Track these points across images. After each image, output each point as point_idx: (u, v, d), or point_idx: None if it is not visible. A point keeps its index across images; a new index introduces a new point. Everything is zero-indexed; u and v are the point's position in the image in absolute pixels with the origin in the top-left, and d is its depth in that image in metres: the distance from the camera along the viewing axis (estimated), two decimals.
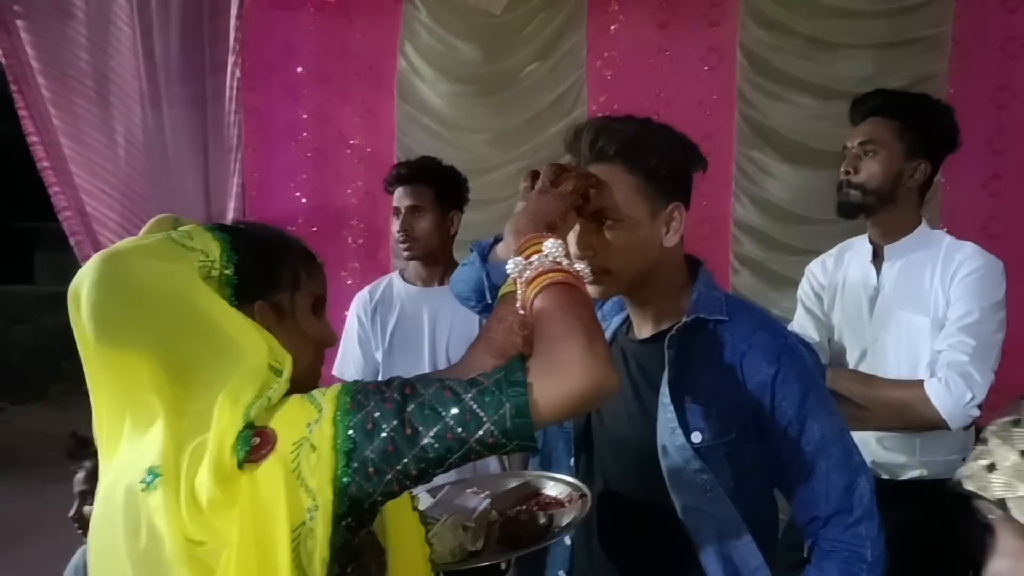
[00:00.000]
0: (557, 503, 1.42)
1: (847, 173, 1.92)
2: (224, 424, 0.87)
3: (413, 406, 0.89)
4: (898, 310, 1.89)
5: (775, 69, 3.16)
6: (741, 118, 3.20)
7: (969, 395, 1.70)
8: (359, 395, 0.90)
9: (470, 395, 0.89)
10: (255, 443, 0.87)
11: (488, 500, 1.39)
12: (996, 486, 0.68)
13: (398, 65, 3.33)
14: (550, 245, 1.06)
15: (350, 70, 3.36)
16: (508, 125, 3.34)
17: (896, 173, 1.88)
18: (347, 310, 3.42)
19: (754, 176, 3.21)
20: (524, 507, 1.40)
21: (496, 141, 3.29)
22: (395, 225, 2.35)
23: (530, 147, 3.25)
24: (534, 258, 1.05)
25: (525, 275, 1.05)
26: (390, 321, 2.39)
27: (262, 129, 3.33)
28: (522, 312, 1.07)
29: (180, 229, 1.00)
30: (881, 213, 1.92)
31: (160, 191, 3.15)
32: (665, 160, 1.28)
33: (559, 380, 0.90)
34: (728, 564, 1.28)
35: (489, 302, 1.60)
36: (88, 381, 0.96)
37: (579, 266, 1.09)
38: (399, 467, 0.88)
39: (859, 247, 2.04)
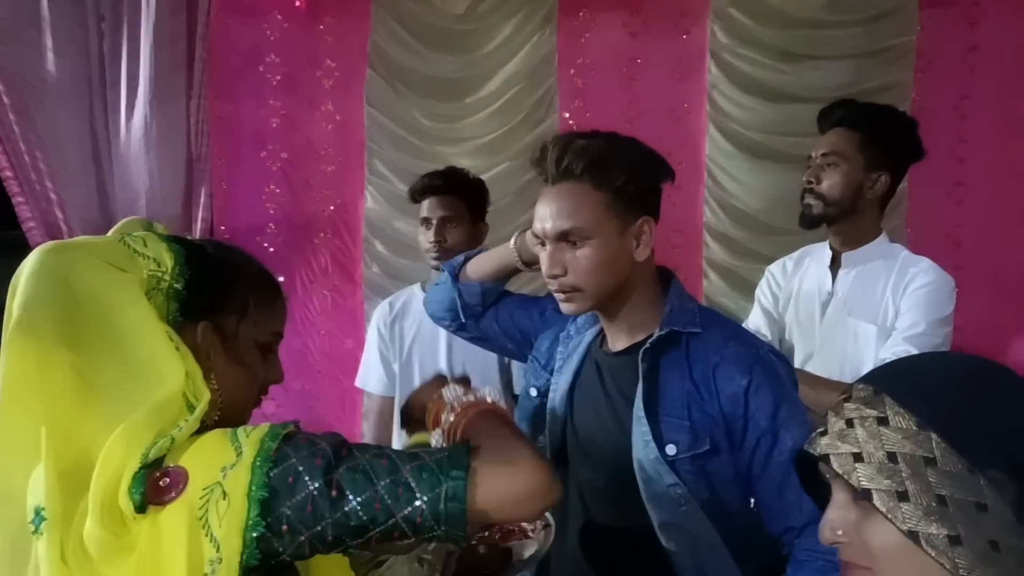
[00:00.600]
0: (520, 531, 1.39)
1: (809, 183, 1.96)
2: (113, 466, 0.81)
3: (344, 468, 0.82)
4: (848, 316, 1.92)
5: (745, 78, 3.19)
6: (712, 126, 3.23)
7: None
8: (286, 445, 0.84)
9: (408, 467, 0.83)
10: (164, 483, 0.81)
11: None
12: (822, 446, 0.78)
13: (368, 73, 3.30)
14: (484, 390, 1.09)
15: (319, 78, 3.32)
16: (480, 132, 3.32)
17: (856, 185, 1.92)
18: (322, 319, 3.39)
19: (725, 184, 3.24)
20: (487, 533, 1.37)
21: (467, 149, 3.27)
22: (426, 236, 2.31)
23: (503, 155, 3.24)
24: (464, 391, 1.08)
25: (462, 400, 1.05)
26: (408, 333, 2.38)
27: (230, 138, 3.28)
28: (443, 439, 1.05)
29: (135, 234, 0.96)
30: (842, 223, 1.95)
31: (124, 200, 3.08)
32: (632, 175, 1.28)
33: (507, 472, 0.84)
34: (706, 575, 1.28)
35: (463, 321, 1.59)
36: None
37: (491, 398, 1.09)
38: (316, 529, 0.81)
39: (819, 252, 2.08)
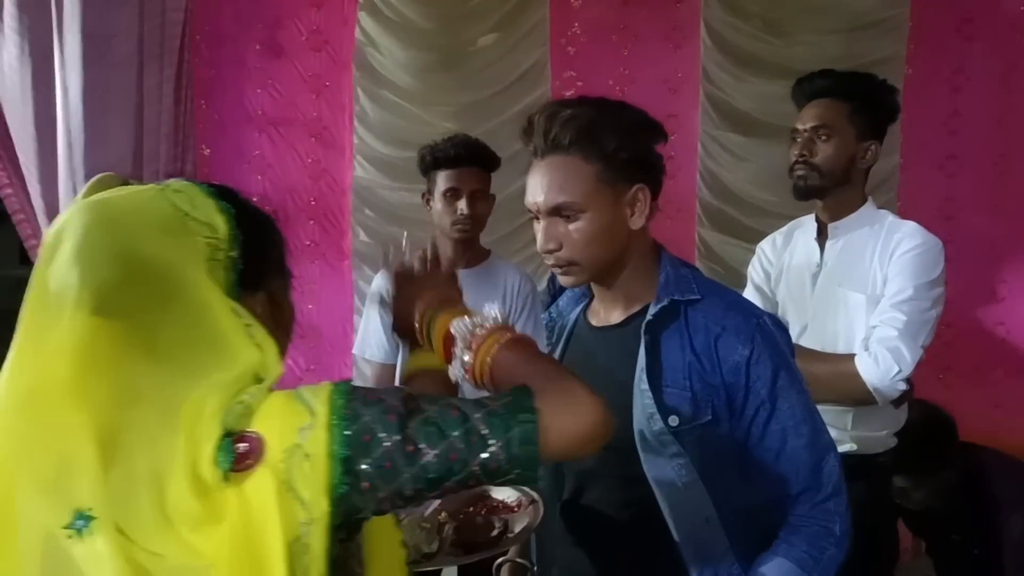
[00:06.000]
0: (506, 508, 1.40)
1: (802, 156, 1.93)
2: (196, 433, 0.78)
3: (416, 422, 0.82)
4: (838, 287, 1.92)
5: (738, 49, 3.16)
6: (706, 97, 3.20)
7: (896, 369, 1.73)
8: (355, 401, 0.82)
9: (478, 415, 0.83)
10: (241, 450, 0.78)
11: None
12: None
13: (356, 38, 3.24)
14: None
15: (306, 43, 3.26)
16: (471, 100, 3.27)
17: (850, 155, 1.91)
18: (309, 291, 3.35)
19: (718, 156, 3.22)
20: (476, 508, 1.37)
21: (459, 116, 3.21)
22: (452, 207, 2.22)
23: (494, 123, 3.18)
24: (472, 319, 1.03)
25: (476, 334, 1.01)
26: None
27: (214, 104, 3.22)
28: (467, 378, 1.02)
29: (176, 189, 0.86)
30: (833, 194, 1.95)
31: (104, 168, 3.00)
32: (623, 143, 1.24)
33: (573, 411, 0.86)
34: (699, 547, 1.28)
35: None
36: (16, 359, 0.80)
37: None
38: (394, 485, 0.81)
39: (807, 225, 2.06)
